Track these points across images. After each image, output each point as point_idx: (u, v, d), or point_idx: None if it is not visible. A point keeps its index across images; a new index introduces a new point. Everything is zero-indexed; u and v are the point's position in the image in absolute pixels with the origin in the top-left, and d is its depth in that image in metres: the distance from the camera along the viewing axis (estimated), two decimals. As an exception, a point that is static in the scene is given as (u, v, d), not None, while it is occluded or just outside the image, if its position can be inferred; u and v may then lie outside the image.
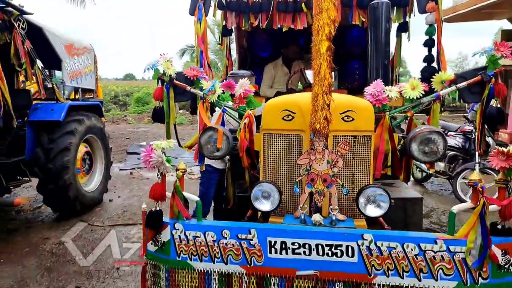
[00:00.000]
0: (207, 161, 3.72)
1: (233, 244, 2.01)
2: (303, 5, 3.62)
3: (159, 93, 2.53)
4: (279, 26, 3.77)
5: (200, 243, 2.04)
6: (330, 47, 1.98)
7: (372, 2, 2.96)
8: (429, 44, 3.34)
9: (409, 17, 3.79)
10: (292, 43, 4.83)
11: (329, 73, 2.00)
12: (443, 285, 1.88)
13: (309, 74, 5.12)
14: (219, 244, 2.02)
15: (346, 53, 4.89)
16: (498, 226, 1.92)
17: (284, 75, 4.75)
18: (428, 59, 3.33)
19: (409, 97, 2.42)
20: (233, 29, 4.48)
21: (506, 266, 1.89)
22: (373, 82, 2.52)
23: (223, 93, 2.57)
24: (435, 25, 3.28)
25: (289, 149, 2.31)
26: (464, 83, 2.36)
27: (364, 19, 3.58)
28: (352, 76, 5.00)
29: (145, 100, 23.56)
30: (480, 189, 1.83)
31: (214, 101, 2.55)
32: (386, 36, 2.96)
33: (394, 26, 4.01)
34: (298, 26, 3.74)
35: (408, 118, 2.48)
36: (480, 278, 1.87)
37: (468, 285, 1.87)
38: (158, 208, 2.08)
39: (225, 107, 2.58)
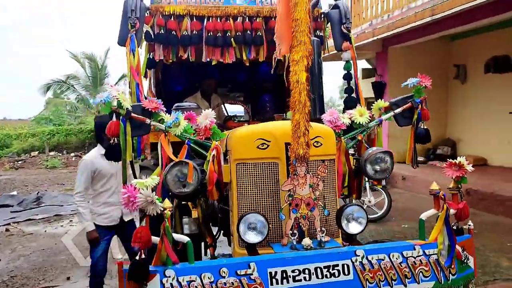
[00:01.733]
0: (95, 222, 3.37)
1: (232, 283, 1.88)
2: (232, 39, 3.74)
3: (115, 127, 2.27)
4: (208, 59, 3.79)
5: (196, 287, 1.86)
6: (308, 78, 2.11)
7: None
8: (347, 77, 3.80)
9: (323, 54, 4.25)
10: (208, 77, 4.88)
11: (308, 101, 2.12)
12: (423, 287, 2.10)
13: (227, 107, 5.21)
14: (217, 285, 1.87)
15: (258, 87, 5.18)
16: (453, 227, 2.26)
17: (204, 108, 4.73)
18: (349, 90, 3.77)
19: (358, 122, 2.71)
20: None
21: (465, 261, 2.22)
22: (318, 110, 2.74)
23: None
24: (351, 61, 3.77)
25: (265, 177, 2.31)
26: (399, 109, 2.76)
27: None
28: (264, 108, 5.28)
29: (4, 142, 20.11)
30: (442, 196, 2.14)
31: (179, 134, 2.41)
32: (320, 70, 3.26)
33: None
34: (227, 60, 3.83)
35: (358, 142, 2.75)
36: (450, 275, 2.15)
37: (442, 282, 2.13)
38: (142, 256, 1.83)
39: (189, 140, 2.45)
